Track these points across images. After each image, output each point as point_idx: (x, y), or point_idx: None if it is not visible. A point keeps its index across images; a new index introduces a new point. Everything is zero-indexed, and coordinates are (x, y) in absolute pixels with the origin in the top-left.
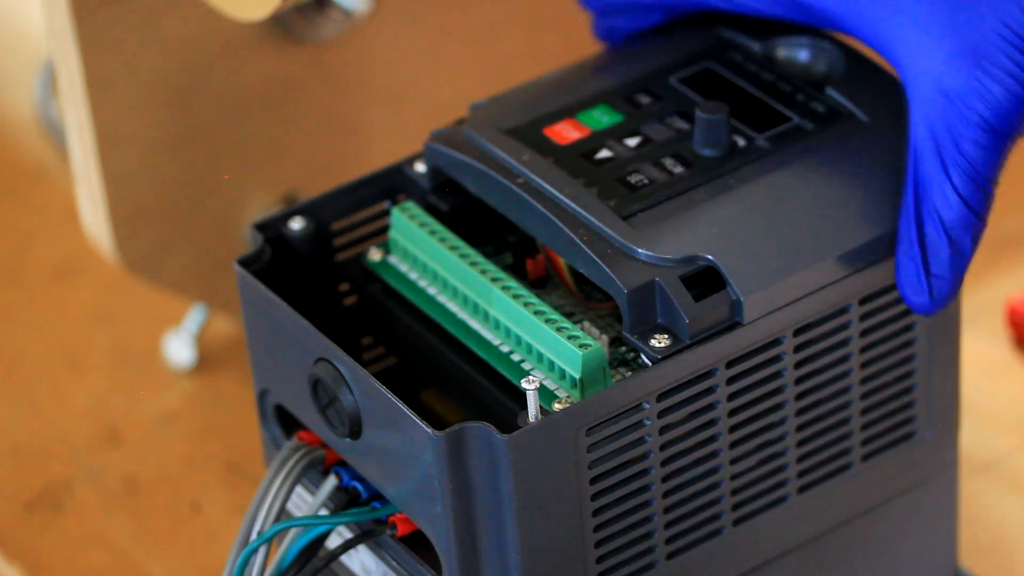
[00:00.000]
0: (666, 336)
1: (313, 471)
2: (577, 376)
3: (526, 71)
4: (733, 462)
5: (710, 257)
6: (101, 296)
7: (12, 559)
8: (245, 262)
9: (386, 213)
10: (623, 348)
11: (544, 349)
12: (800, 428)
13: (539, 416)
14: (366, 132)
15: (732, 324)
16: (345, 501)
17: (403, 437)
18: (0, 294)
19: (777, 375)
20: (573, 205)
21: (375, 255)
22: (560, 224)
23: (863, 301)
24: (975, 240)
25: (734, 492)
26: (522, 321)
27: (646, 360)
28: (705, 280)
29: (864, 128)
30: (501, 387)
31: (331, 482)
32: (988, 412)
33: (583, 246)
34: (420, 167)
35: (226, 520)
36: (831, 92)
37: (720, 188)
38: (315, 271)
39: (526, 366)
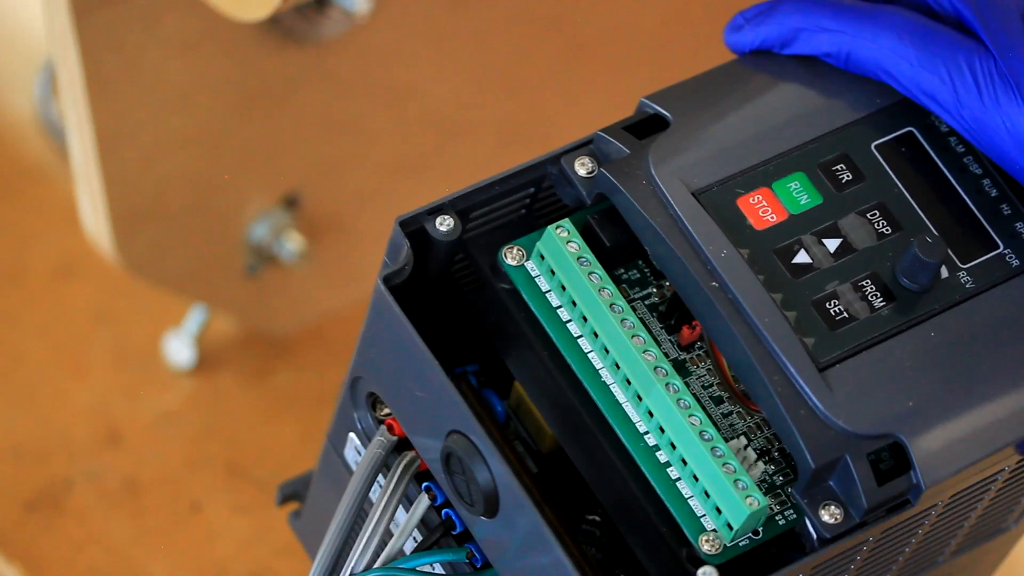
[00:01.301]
0: (837, 509)
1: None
2: (735, 526)
3: (526, 71)
4: None
5: (903, 439)
6: (101, 296)
7: (12, 559)
8: (388, 279)
9: (526, 199)
10: (772, 468)
11: (704, 478)
12: (913, 552)
13: None
14: (366, 132)
15: (904, 503)
16: (437, 527)
17: (546, 568)
18: (0, 294)
19: (918, 527)
20: (769, 339)
21: (513, 258)
22: (754, 360)
23: (1019, 464)
24: None
25: None
26: (684, 437)
27: (811, 531)
28: (887, 449)
29: None
30: (634, 474)
31: (424, 503)
32: None
33: (776, 398)
34: (581, 169)
35: (226, 520)
36: None
37: (920, 342)
38: (447, 265)
39: (672, 472)
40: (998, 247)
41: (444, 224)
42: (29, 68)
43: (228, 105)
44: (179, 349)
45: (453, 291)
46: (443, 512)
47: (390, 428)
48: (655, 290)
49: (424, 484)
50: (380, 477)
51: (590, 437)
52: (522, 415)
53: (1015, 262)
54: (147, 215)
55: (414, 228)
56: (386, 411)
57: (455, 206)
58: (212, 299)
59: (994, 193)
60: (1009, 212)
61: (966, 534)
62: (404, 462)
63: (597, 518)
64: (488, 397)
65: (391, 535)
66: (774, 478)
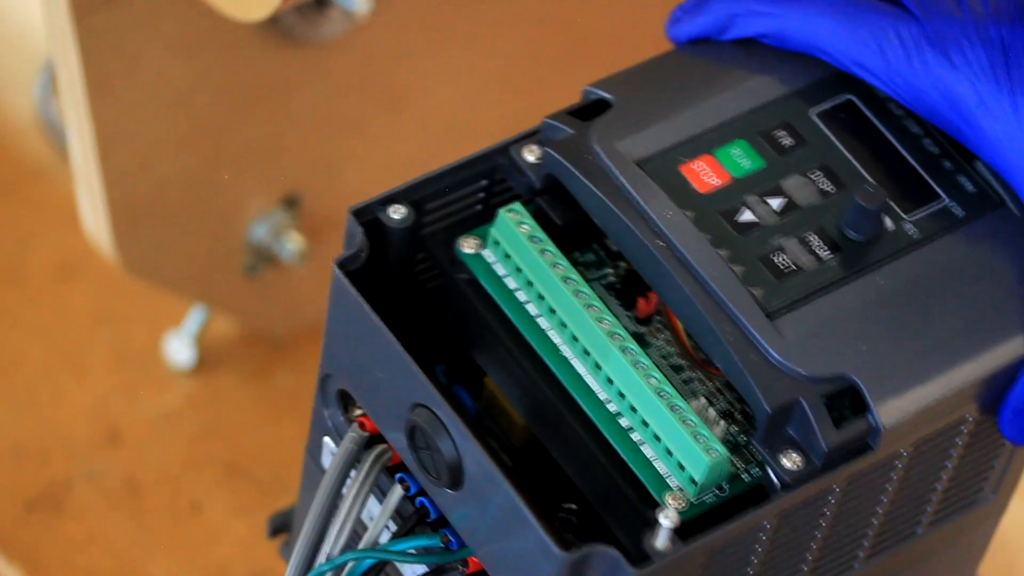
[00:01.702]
0: (797, 455)
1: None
2: (698, 480)
3: (526, 71)
4: (820, 550)
5: (858, 381)
6: (101, 296)
7: (12, 559)
8: (343, 264)
9: (480, 193)
10: (735, 428)
11: (664, 436)
12: (886, 513)
13: (672, 551)
14: (366, 132)
15: (863, 447)
16: (412, 515)
17: (515, 530)
18: (0, 294)
19: (886, 479)
20: (718, 291)
21: (469, 246)
22: (704, 313)
23: (982, 411)
24: None
25: (811, 572)
26: (642, 397)
27: (774, 478)
28: (843, 393)
29: (1013, 225)
30: (604, 449)
31: (398, 492)
32: None
33: (728, 347)
34: (530, 156)
35: (226, 520)
36: (981, 168)
37: (868, 288)
38: (405, 259)
39: (635, 436)
40: (942, 199)
41: (397, 212)
42: (29, 68)
43: (228, 105)
44: (179, 349)
45: (417, 291)
46: (417, 501)
47: (361, 425)
48: (611, 270)
49: (397, 475)
50: (354, 473)
51: (555, 414)
52: (494, 412)
53: (959, 213)
54: (147, 215)
55: (368, 218)
56: (358, 412)
57: (408, 196)
58: (212, 299)
59: (935, 151)
60: (951, 167)
61: (941, 501)
62: (374, 454)
63: (573, 506)
64: (458, 393)
65: (366, 528)
66: (738, 437)
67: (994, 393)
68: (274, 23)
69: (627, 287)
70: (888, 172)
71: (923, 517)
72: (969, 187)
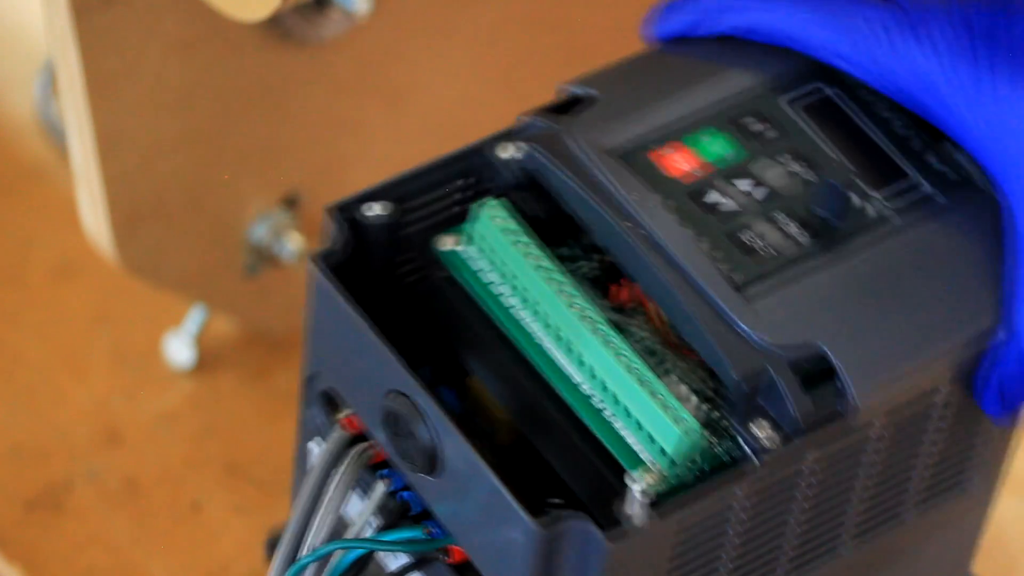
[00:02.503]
0: (769, 425)
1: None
2: (670, 452)
3: (526, 71)
4: (800, 532)
5: (825, 348)
6: (101, 296)
7: (12, 559)
8: (319, 258)
9: (460, 192)
10: (707, 406)
11: (636, 411)
12: (867, 493)
13: (639, 514)
14: (366, 132)
15: (834, 415)
16: (395, 510)
17: (491, 508)
18: (0, 294)
19: (860, 452)
20: (685, 265)
21: (447, 243)
22: (671, 287)
23: (953, 381)
24: None
25: (793, 557)
26: (614, 374)
27: (745, 447)
28: (813, 363)
29: (981, 201)
30: (581, 431)
31: (381, 488)
32: None
33: (695, 319)
34: (505, 153)
35: (226, 520)
36: (948, 147)
37: (835, 261)
38: (387, 257)
39: (608, 415)
40: (910, 177)
41: (372, 210)
42: (29, 68)
43: (228, 105)
44: (179, 349)
45: (402, 293)
46: (400, 496)
47: (345, 427)
48: (585, 263)
49: (380, 471)
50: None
51: (534, 401)
52: (479, 413)
53: (928, 189)
54: (147, 215)
55: (347, 216)
56: (342, 415)
57: (386, 194)
58: (212, 299)
59: (904, 132)
60: (920, 147)
61: (924, 482)
62: (357, 450)
63: (559, 500)
64: (444, 394)
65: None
66: (711, 414)
67: (967, 364)
68: (274, 23)
69: (603, 279)
70: (857, 153)
71: (906, 498)
72: (938, 165)
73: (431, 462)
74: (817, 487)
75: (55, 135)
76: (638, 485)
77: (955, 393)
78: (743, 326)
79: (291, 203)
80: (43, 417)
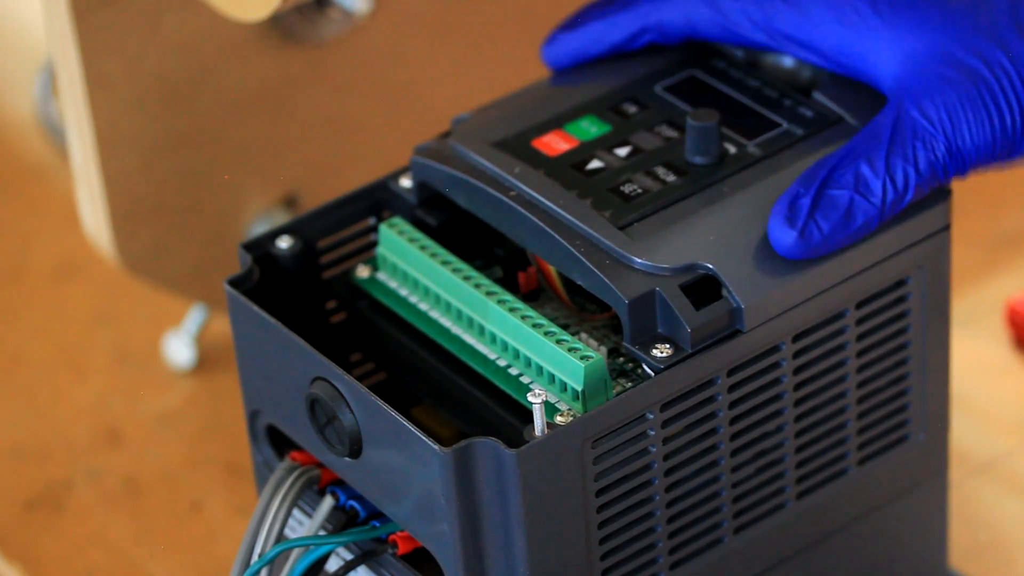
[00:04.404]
0: (667, 346)
1: (309, 492)
2: (579, 388)
3: (526, 71)
4: (734, 470)
5: (709, 265)
6: (101, 296)
7: (12, 559)
8: (235, 282)
9: (372, 229)
10: (622, 359)
11: (544, 362)
12: (798, 434)
13: (546, 430)
14: (366, 132)
15: (732, 332)
16: (344, 521)
17: (406, 455)
18: (0, 294)
19: (776, 381)
20: (568, 216)
21: (363, 272)
22: (556, 236)
23: (859, 305)
24: (865, 225)
25: (735, 500)
26: (520, 335)
27: (648, 370)
28: (704, 288)
29: (853, 131)
30: (500, 402)
31: (328, 502)
32: (988, 412)
33: (581, 257)
34: (406, 182)
35: (226, 520)
36: (818, 97)
37: (714, 196)
38: (303, 290)
39: (525, 379)
40: (782, 125)
41: (284, 241)
42: (29, 68)
43: (228, 105)
44: (179, 349)
45: (337, 336)
46: (348, 504)
47: (295, 458)
48: (496, 269)
49: (328, 488)
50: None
51: (453, 384)
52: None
53: (799, 132)
54: (147, 215)
55: (260, 251)
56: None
57: (295, 228)
58: (212, 299)
59: (774, 94)
60: (790, 103)
61: (861, 430)
62: (302, 470)
63: None
64: None
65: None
66: (624, 365)
67: (868, 291)
68: (274, 23)
69: (509, 271)
70: (730, 115)
71: (845, 448)
72: (809, 114)
73: (355, 442)
74: (739, 412)
75: (55, 135)
76: (537, 399)
77: (867, 321)
78: (630, 256)
79: (291, 203)
80: (43, 417)
